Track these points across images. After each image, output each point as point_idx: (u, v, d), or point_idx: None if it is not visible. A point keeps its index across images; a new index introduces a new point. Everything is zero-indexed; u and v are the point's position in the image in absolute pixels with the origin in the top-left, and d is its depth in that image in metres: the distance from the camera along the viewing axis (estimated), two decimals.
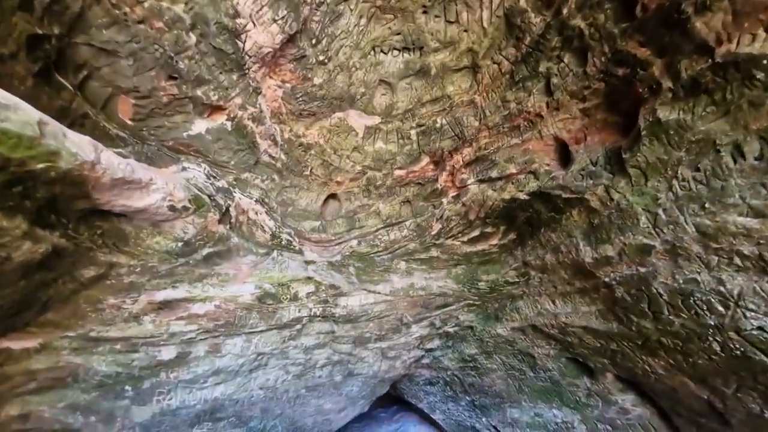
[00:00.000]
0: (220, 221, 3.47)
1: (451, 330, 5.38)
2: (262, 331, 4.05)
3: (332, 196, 4.61)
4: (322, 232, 4.58)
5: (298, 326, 4.26)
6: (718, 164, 2.16)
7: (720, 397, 3.06)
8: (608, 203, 2.85)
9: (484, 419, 6.23)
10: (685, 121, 2.23)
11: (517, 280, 4.42)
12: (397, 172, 4.43)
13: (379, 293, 4.62)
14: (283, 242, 4.09)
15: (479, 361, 5.53)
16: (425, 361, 6.16)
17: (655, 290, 2.80)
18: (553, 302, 4.06)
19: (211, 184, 3.36)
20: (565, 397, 4.91)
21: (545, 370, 4.89)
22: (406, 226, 4.65)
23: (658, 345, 3.17)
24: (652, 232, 2.60)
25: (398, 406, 10.63)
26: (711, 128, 2.14)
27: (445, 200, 4.36)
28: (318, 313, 4.29)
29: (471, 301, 4.98)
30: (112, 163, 2.25)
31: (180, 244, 3.29)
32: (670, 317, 2.81)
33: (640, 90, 2.42)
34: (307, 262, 4.27)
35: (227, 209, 3.51)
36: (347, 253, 4.61)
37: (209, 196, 3.26)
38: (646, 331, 3.14)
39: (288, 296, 4.03)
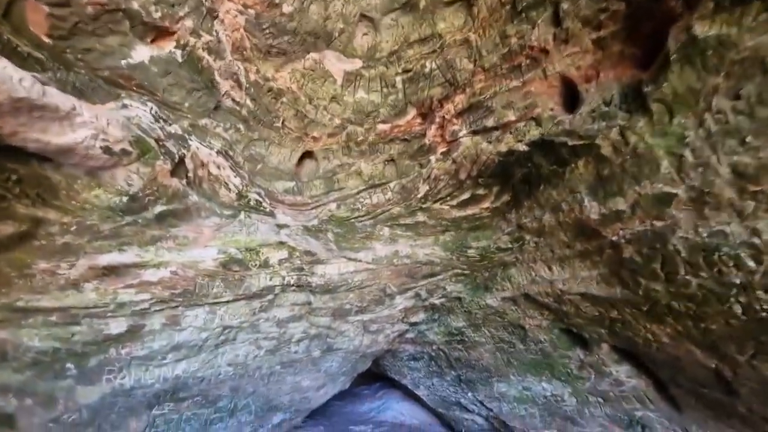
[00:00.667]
0: (173, 173, 2.97)
1: (437, 302, 5.05)
2: (228, 302, 3.61)
3: (308, 154, 4.13)
4: (297, 194, 4.11)
5: (270, 296, 3.84)
6: (766, 87, 1.79)
7: (731, 365, 2.81)
8: (622, 149, 2.48)
9: (469, 394, 6.02)
10: (729, 36, 1.84)
11: (510, 246, 4.08)
12: (381, 127, 3.97)
13: (360, 261, 4.22)
14: (251, 203, 3.61)
15: (466, 335, 5.24)
16: (409, 335, 5.85)
17: (671, 247, 2.47)
18: (549, 268, 3.74)
19: (160, 127, 2.83)
20: (555, 370, 4.68)
21: (536, 342, 4.63)
22: (390, 188, 4.23)
23: (667, 310, 2.87)
24: (675, 177, 2.24)
25: (381, 383, 10.45)
26: (762, 42, 1.76)
27: (433, 158, 3.94)
28: (292, 282, 3.87)
29: (459, 270, 4.64)
30: (9, 76, 1.73)
31: (125, 198, 2.80)
32: (687, 277, 2.50)
33: (673, 3, 2.01)
34: (280, 226, 3.82)
35: (181, 159, 3.00)
36: (325, 218, 4.17)
37: (157, 141, 2.75)
38: (654, 295, 2.84)
39: (257, 263, 3.58)
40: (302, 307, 4.13)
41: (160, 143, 2.77)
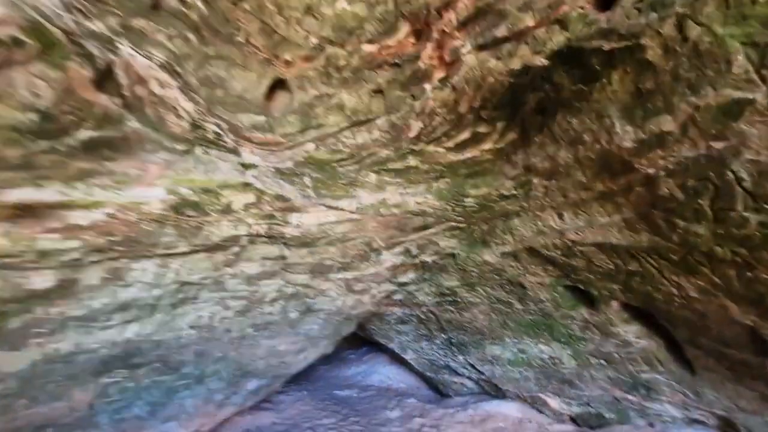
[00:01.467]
0: (98, 86, 2.31)
1: (428, 259, 4.57)
2: (184, 254, 3.05)
3: (280, 83, 3.46)
4: (268, 131, 3.46)
5: (236, 249, 3.28)
6: None
7: None
8: (678, 47, 1.91)
9: (460, 357, 5.69)
10: None
11: (514, 192, 3.56)
12: (367, 48, 3.28)
13: (342, 210, 3.67)
14: (209, 135, 2.98)
15: (459, 295, 4.82)
16: (397, 297, 5.42)
17: (730, 175, 1.97)
18: (560, 216, 3.25)
19: (73, 19, 2.14)
20: (555, 331, 4.31)
21: (536, 302, 4.22)
22: (377, 126, 3.60)
23: (705, 259, 2.43)
24: (754, 77, 1.70)
25: (368, 347, 10.21)
26: None
27: (428, 86, 3.30)
28: (262, 233, 3.31)
29: (455, 223, 4.14)
30: None
31: (34, 116, 2.15)
32: (745, 214, 2.02)
33: None
34: (246, 166, 3.20)
35: (109, 68, 2.33)
36: (301, 160, 3.55)
37: (67, 35, 2.07)
38: (693, 240, 2.37)
39: (217, 207, 3.00)
40: (275, 262, 3.60)
41: (73, 39, 2.09)
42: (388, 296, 5.18)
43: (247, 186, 3.08)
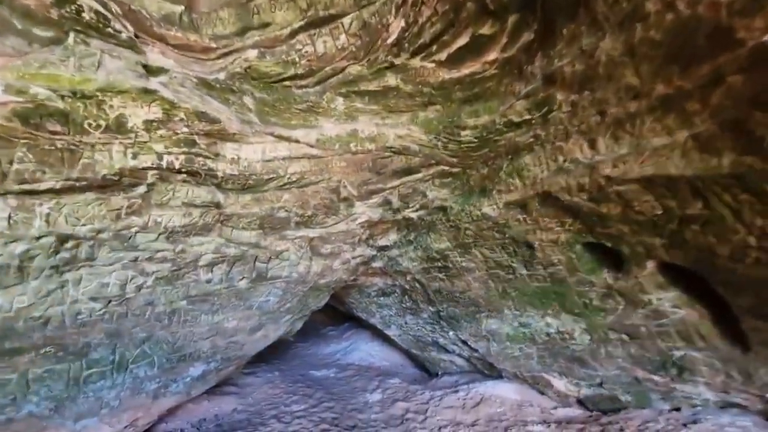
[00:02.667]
0: None
1: (414, 215, 3.70)
2: (55, 192, 2.09)
3: None
4: (191, 30, 2.47)
5: (141, 188, 2.34)
6: None
7: None
8: None
9: (450, 333, 4.93)
10: None
11: (527, 117, 2.68)
12: None
13: (297, 142, 2.74)
14: (86, 17, 1.98)
15: (451, 259, 3.99)
16: (377, 263, 4.57)
17: None
18: (592, 144, 2.39)
19: None
20: (568, 301, 3.53)
21: (546, 266, 3.42)
22: (343, 27, 2.65)
23: None
24: None
25: (350, 323, 9.46)
26: None
27: None
28: (178, 167, 2.37)
29: (446, 167, 3.25)
30: None
31: None
32: None
33: None
34: (152, 70, 2.23)
35: None
36: (239, 71, 2.59)
37: None
38: None
39: (100, 122, 2.03)
40: (206, 211, 2.67)
41: None
42: (366, 263, 4.33)
43: (148, 94, 2.11)
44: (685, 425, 3.23)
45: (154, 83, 2.19)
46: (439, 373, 6.15)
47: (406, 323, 5.67)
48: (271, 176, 2.73)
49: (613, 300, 3.23)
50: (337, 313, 9.44)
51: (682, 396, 3.42)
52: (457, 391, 4.84)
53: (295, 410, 4.78)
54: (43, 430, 2.98)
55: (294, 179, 2.84)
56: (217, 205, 2.68)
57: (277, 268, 3.34)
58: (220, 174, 2.54)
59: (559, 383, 4.28)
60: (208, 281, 3.06)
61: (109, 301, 2.68)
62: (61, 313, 2.52)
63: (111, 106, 2.04)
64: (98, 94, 2.00)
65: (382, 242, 4.20)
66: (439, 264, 4.13)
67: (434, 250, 4.01)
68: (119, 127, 2.09)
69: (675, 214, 2.28)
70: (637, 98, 2.03)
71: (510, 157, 2.95)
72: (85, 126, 2.00)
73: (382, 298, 5.72)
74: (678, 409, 3.53)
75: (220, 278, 3.11)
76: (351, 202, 3.23)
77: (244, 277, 3.22)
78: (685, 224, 2.28)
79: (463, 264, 3.95)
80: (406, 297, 5.19)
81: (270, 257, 3.24)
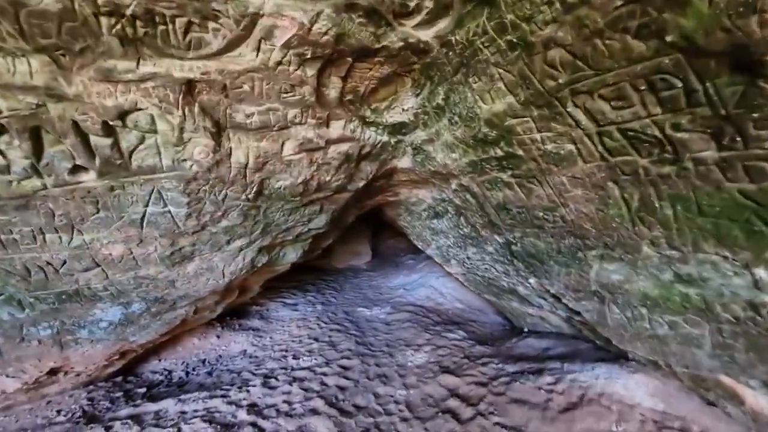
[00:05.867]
0: None
1: (425, 37, 1.64)
2: None
3: None
4: None
5: None
6: None
7: None
8: None
9: (531, 280, 2.91)
10: None
11: None
12: None
13: None
14: None
15: (522, 137, 1.87)
16: (402, 161, 2.68)
17: None
18: None
19: None
20: None
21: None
22: None
23: None
24: None
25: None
26: None
27: None
28: None
29: None
30: None
31: None
32: None
33: None
34: None
35: None
36: None
37: None
38: None
39: None
40: None
41: None
42: (371, 155, 2.47)
43: None
44: None
45: None
46: (525, 330, 4.23)
47: (468, 258, 3.77)
48: None
49: None
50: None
51: None
52: (542, 373, 2.92)
53: (296, 368, 3.50)
54: None
55: None
56: None
57: (142, 152, 1.74)
58: None
59: (762, 400, 2.05)
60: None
61: None
62: None
63: None
64: None
65: (393, 116, 2.26)
66: (499, 151, 2.05)
67: (483, 120, 1.93)
68: None
69: None
70: None
71: None
72: None
73: (435, 222, 3.87)
74: None
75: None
76: None
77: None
78: None
79: (549, 147, 1.81)
80: (462, 219, 3.24)
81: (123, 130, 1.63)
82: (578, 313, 2.72)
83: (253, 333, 4.47)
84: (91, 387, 3.16)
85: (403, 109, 2.23)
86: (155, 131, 1.67)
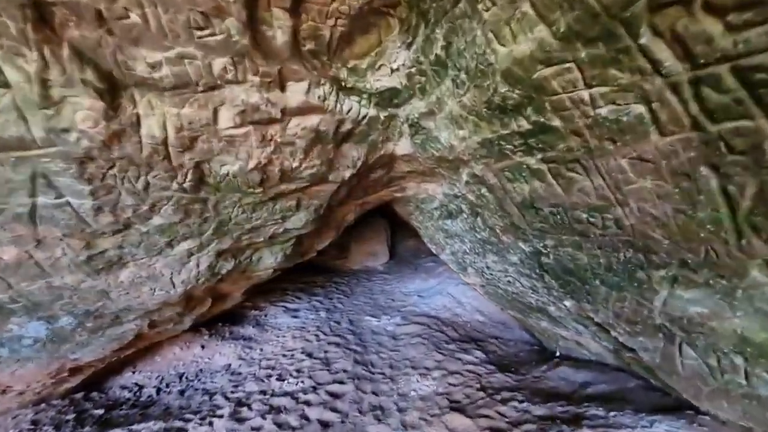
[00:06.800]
0: None
1: None
2: None
3: None
4: None
5: None
6: None
7: None
8: None
9: (567, 303, 2.23)
10: None
11: None
12: None
13: None
14: None
15: (555, 104, 1.23)
16: (401, 145, 2.07)
17: None
18: None
19: None
20: None
21: None
22: None
23: None
24: None
25: None
26: None
27: None
28: None
29: None
30: None
31: None
32: None
33: None
34: None
35: None
36: None
37: None
38: None
39: None
40: None
41: None
42: (355, 133, 1.89)
43: None
44: None
45: None
46: (557, 353, 3.52)
47: (487, 268, 3.11)
48: None
49: None
50: None
51: None
52: (579, 423, 2.23)
53: (277, 392, 2.96)
54: None
55: None
56: None
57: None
58: None
59: None
60: None
61: None
62: None
63: None
64: None
65: (381, 79, 1.65)
66: (524, 122, 1.40)
67: (500, 74, 1.30)
68: None
69: None
70: None
71: None
72: None
73: (448, 222, 3.24)
74: None
75: None
76: None
77: None
78: None
79: (604, 112, 1.16)
80: (479, 220, 2.59)
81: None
82: (632, 350, 2.02)
83: (242, 343, 3.98)
84: (42, 406, 2.75)
85: (392, 69, 1.62)
86: (6, 84, 1.17)
